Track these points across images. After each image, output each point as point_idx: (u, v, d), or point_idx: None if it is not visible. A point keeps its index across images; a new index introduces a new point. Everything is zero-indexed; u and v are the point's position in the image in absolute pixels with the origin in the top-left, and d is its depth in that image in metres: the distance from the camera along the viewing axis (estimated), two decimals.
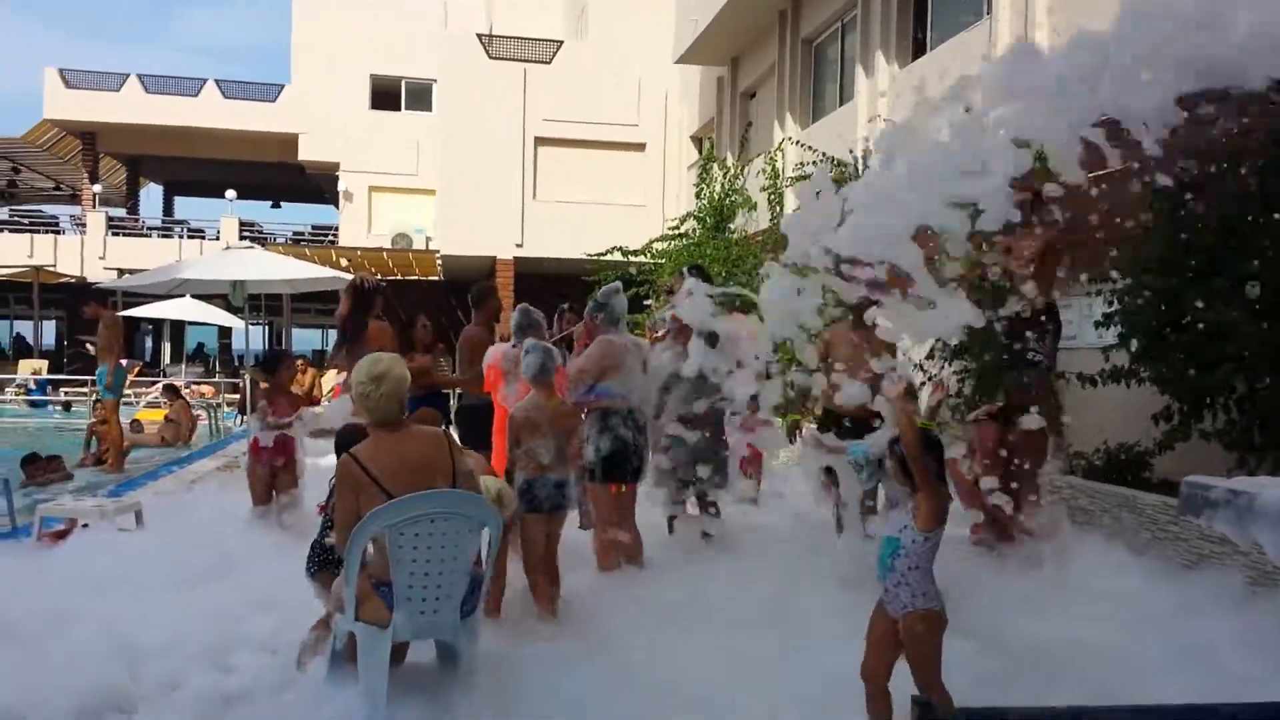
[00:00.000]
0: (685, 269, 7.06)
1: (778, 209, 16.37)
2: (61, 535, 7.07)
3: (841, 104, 15.45)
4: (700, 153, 21.63)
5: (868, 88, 14.17)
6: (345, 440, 4.64)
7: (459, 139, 22.91)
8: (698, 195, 19.12)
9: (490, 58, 22.95)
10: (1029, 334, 5.84)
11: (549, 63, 23.09)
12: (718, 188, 18.14)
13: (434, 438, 4.07)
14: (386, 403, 3.96)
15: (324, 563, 4.56)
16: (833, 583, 5.19)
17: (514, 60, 23.00)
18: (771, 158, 16.54)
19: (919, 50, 13.56)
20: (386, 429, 3.98)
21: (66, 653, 4.46)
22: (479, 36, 23.36)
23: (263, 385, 7.81)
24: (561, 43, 23.48)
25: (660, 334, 6.87)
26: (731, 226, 17.83)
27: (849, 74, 15.32)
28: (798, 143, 15.43)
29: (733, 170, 18.18)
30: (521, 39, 23.46)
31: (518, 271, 23.02)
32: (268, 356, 8.28)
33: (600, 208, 22.36)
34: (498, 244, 22.96)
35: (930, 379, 8.92)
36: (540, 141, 23.11)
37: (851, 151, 12.33)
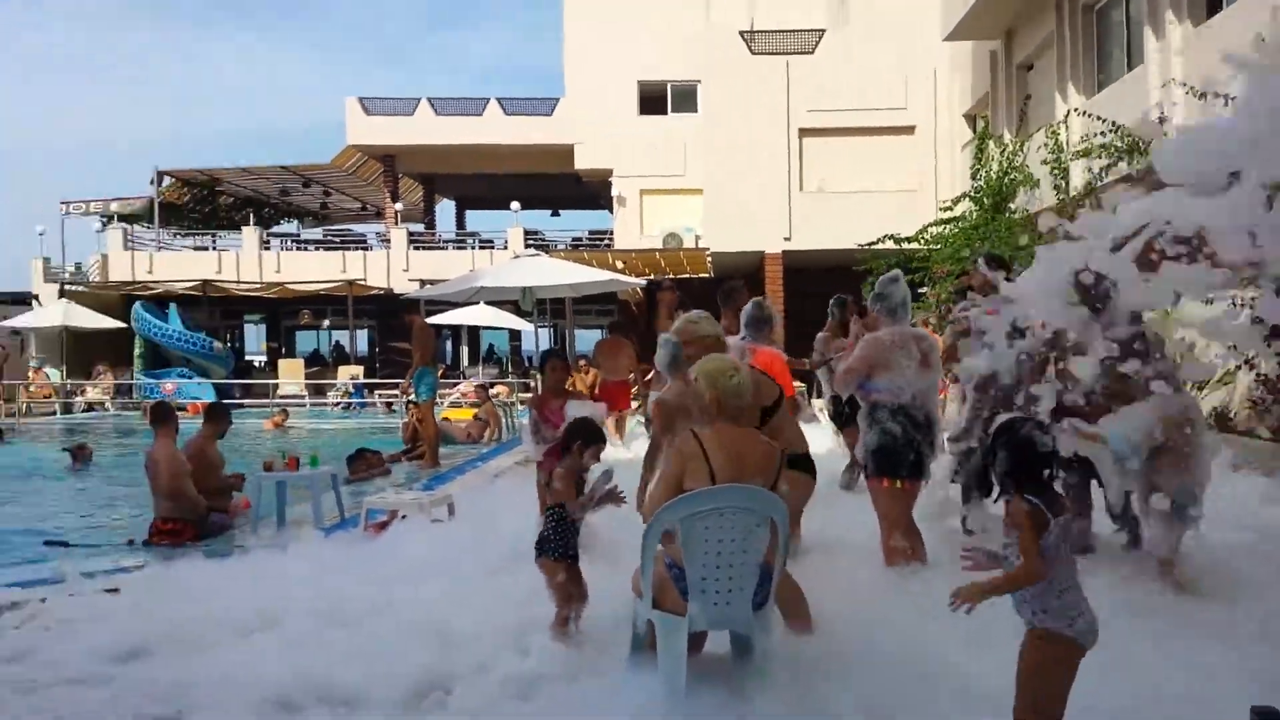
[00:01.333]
0: (981, 259, 6.82)
1: (1062, 184, 15.53)
2: (383, 526, 7.73)
3: (1129, 69, 14.46)
4: (974, 131, 20.83)
5: (1158, 50, 13.20)
6: (575, 431, 4.92)
7: (724, 136, 23.23)
8: (973, 176, 18.44)
9: (752, 53, 23.11)
10: None
11: (811, 52, 22.96)
12: (995, 166, 17.43)
13: (772, 450, 4.21)
14: (744, 389, 4.18)
15: (542, 550, 4.79)
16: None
17: (776, 54, 23.05)
18: (1054, 131, 15.71)
19: (1214, 7, 12.49)
20: (733, 421, 4.16)
21: (392, 634, 4.84)
22: (741, 34, 23.58)
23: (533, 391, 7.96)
24: (823, 31, 23.27)
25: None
26: (1011, 206, 17.08)
27: (1136, 37, 14.34)
28: (1084, 113, 14.58)
29: (1011, 147, 17.41)
30: (783, 32, 23.45)
31: (787, 265, 23.06)
32: (542, 356, 8.15)
33: (869, 195, 22.01)
34: (766, 238, 23.09)
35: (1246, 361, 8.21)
36: (805, 133, 23.04)
37: (1160, 117, 11.62)
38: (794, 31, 23.38)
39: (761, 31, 23.93)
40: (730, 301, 8.09)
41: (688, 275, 25.80)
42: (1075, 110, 15.15)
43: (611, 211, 30.80)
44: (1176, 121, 11.67)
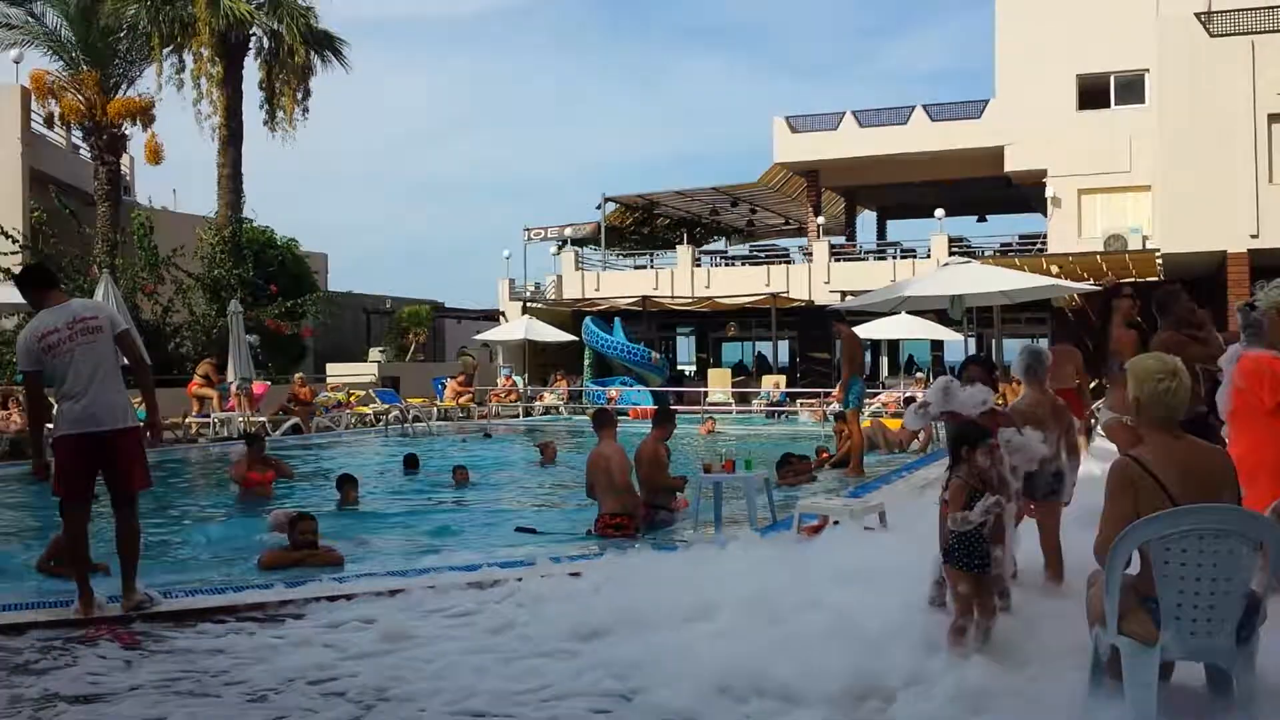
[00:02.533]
0: None
1: None
2: (816, 529, 7.87)
3: None
4: None
5: None
6: (960, 437, 4.67)
7: (1178, 127, 21.17)
8: None
9: (1211, 36, 20.85)
10: None
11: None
12: None
13: (1218, 452, 3.87)
14: (1181, 397, 3.82)
15: (948, 559, 4.62)
16: None
17: (1239, 35, 20.61)
18: None
19: None
20: (1168, 433, 3.84)
21: (821, 635, 4.87)
22: (1197, 16, 21.35)
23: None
24: None
25: None
26: None
27: None
28: None
29: None
30: (1247, 10, 20.97)
31: (1253, 265, 20.47)
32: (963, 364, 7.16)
33: None
34: (1228, 236, 20.73)
35: None
36: (1274, 118, 20.38)
37: None
38: (1261, 9, 20.78)
39: (1221, 11, 21.56)
40: (1168, 310, 7.21)
41: (1133, 279, 23.69)
42: None
43: (1045, 214, 29.10)
44: None
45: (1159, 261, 23.07)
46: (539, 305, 33.41)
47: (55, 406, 6.15)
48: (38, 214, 23.45)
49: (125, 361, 6.17)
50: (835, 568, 6.34)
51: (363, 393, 24.05)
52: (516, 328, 29.95)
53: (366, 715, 4.40)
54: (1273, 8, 20.79)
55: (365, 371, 29.30)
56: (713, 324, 34.21)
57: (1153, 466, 3.74)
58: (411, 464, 14.31)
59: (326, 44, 28.99)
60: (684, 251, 33.71)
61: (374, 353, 33.53)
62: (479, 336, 31.81)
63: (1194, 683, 4.00)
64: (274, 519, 9.18)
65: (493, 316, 35.44)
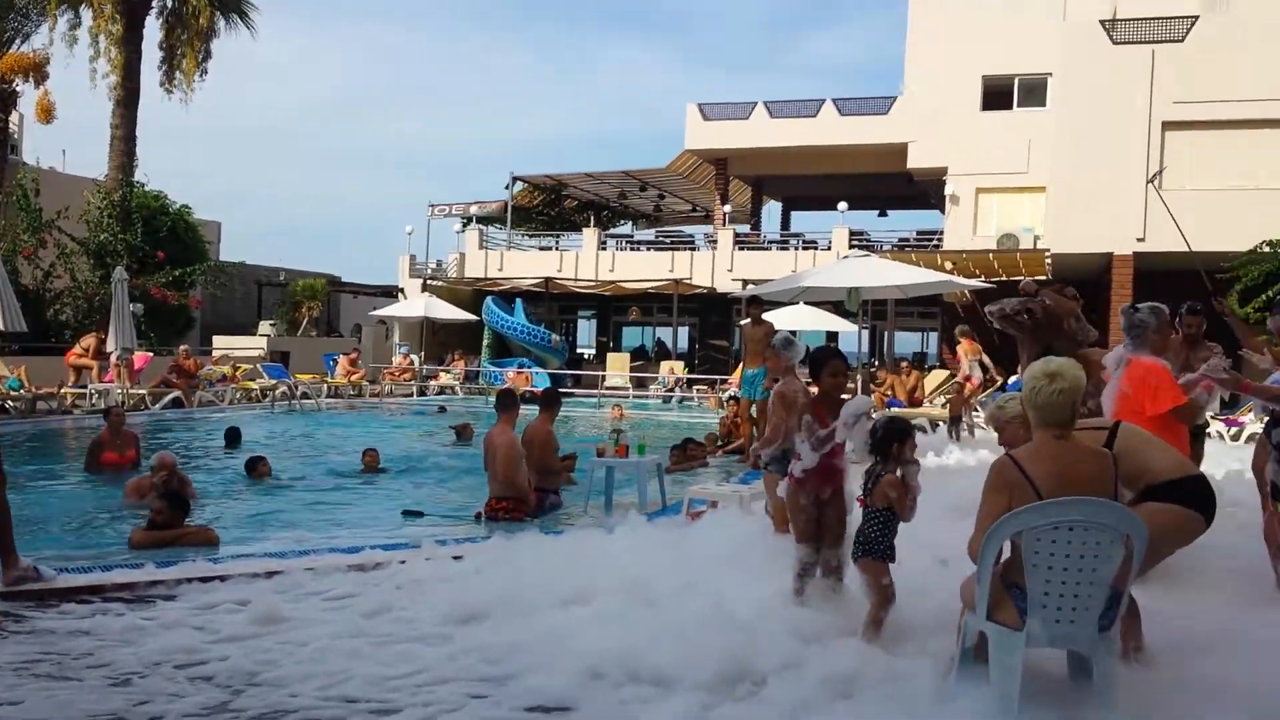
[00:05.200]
0: None
1: None
2: (700, 515, 7.94)
3: None
4: None
5: None
6: (891, 433, 4.70)
7: (1076, 131, 21.85)
8: None
9: (1114, 43, 21.53)
10: None
11: (1181, 40, 21.01)
12: None
13: (1101, 455, 3.93)
14: (1061, 399, 3.85)
15: (867, 551, 4.66)
16: None
17: (1140, 43, 21.33)
18: None
19: None
20: (1052, 433, 3.89)
21: (696, 619, 4.89)
22: (1102, 23, 22.02)
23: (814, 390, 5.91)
24: (1196, 18, 21.24)
25: None
26: None
27: None
28: None
29: None
30: (1149, 19, 21.68)
31: (1137, 268, 21.26)
32: (811, 357, 5.96)
33: (1241, 194, 19.81)
34: (1115, 239, 21.45)
35: None
36: (1168, 126, 21.14)
37: None
38: (1162, 19, 21.53)
39: (1125, 20, 22.27)
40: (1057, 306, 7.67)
41: (1022, 278, 24.37)
42: None
43: (943, 211, 29.75)
44: None
45: (1048, 261, 23.76)
46: (440, 283, 32.93)
47: None
48: None
49: None
50: (716, 553, 6.42)
51: (249, 367, 23.36)
52: (415, 305, 29.47)
53: (234, 700, 4.28)
54: (1173, 19, 21.53)
55: (254, 345, 28.50)
56: (615, 308, 34.18)
57: (1027, 466, 3.82)
58: (233, 438, 13.97)
59: (233, 6, 28.03)
60: (590, 234, 33.58)
61: (264, 326, 32.63)
62: (376, 313, 31.19)
63: (1056, 669, 4.10)
64: (132, 487, 8.88)
65: (391, 293, 34.77)
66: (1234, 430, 15.37)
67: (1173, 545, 4.64)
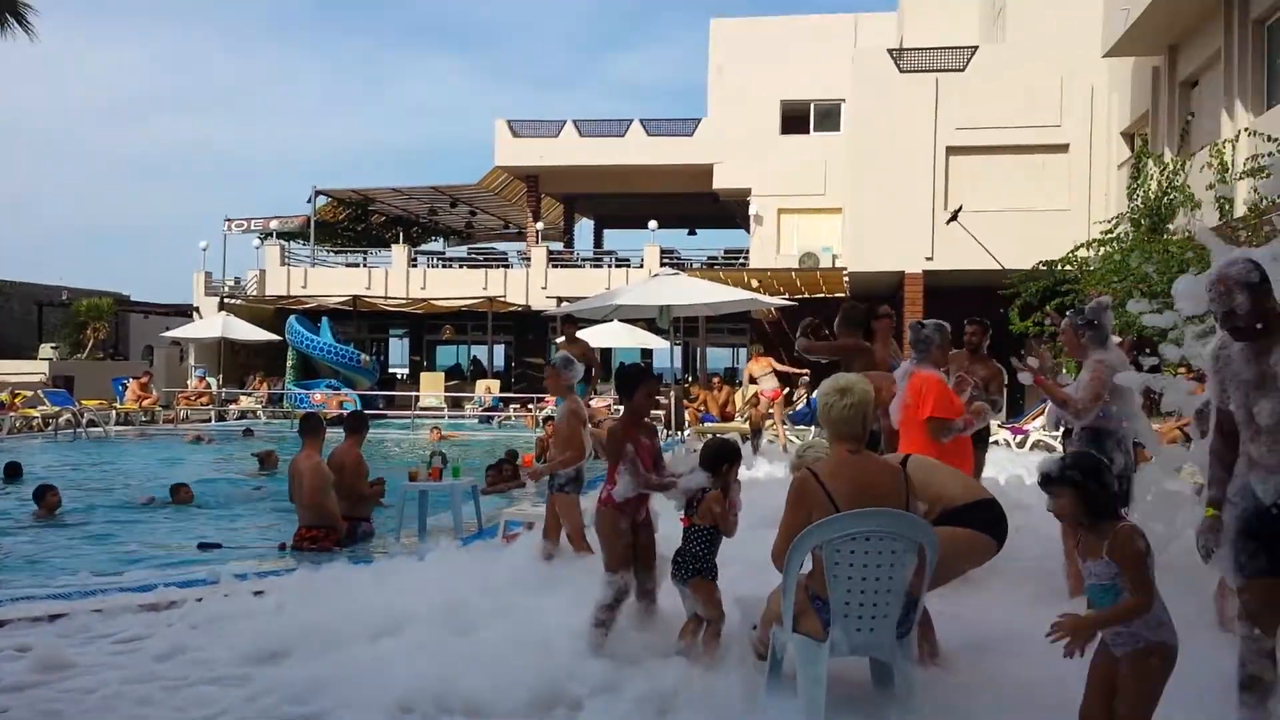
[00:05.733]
0: (1070, 315, 6.17)
1: (1227, 206, 14.70)
2: (516, 537, 7.84)
3: None
4: (1131, 150, 19.95)
5: None
6: (721, 454, 4.83)
7: (868, 155, 22.92)
8: (1130, 196, 17.66)
9: (901, 71, 22.76)
10: None
11: (962, 69, 22.45)
12: (1154, 186, 16.64)
13: (895, 471, 4.10)
14: (852, 413, 4.00)
15: (697, 571, 4.76)
16: None
17: (925, 71, 22.65)
18: (1219, 150, 14.88)
19: None
20: (848, 448, 4.03)
21: (511, 645, 4.86)
22: (889, 52, 23.23)
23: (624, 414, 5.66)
24: (975, 48, 22.75)
25: None
26: (1170, 227, 16.26)
27: None
28: (1252, 133, 13.77)
29: (1171, 166, 16.58)
30: (933, 49, 23.05)
31: (927, 285, 22.52)
32: (622, 375, 5.80)
33: (1018, 215, 21.28)
34: (906, 259, 22.64)
35: None
36: (952, 151, 22.51)
37: None
38: (945, 49, 22.92)
39: (911, 49, 23.56)
40: (849, 323, 8.16)
41: (823, 295, 25.44)
42: (1245, 130, 14.31)
43: (748, 231, 30.68)
44: None
45: (846, 279, 24.85)
46: (238, 301, 31.47)
47: None
48: None
49: None
50: (530, 575, 6.35)
51: (30, 393, 21.68)
52: (212, 325, 28.06)
53: None
54: (955, 49, 22.93)
55: (35, 370, 26.47)
56: (428, 326, 33.55)
57: (825, 480, 3.95)
58: (13, 473, 13.08)
59: (7, 7, 25.98)
60: (399, 251, 32.85)
61: (45, 349, 30.38)
62: (168, 334, 29.38)
63: (860, 676, 4.25)
64: None
65: (185, 312, 32.93)
66: (1019, 438, 16.47)
67: (966, 565, 4.81)
